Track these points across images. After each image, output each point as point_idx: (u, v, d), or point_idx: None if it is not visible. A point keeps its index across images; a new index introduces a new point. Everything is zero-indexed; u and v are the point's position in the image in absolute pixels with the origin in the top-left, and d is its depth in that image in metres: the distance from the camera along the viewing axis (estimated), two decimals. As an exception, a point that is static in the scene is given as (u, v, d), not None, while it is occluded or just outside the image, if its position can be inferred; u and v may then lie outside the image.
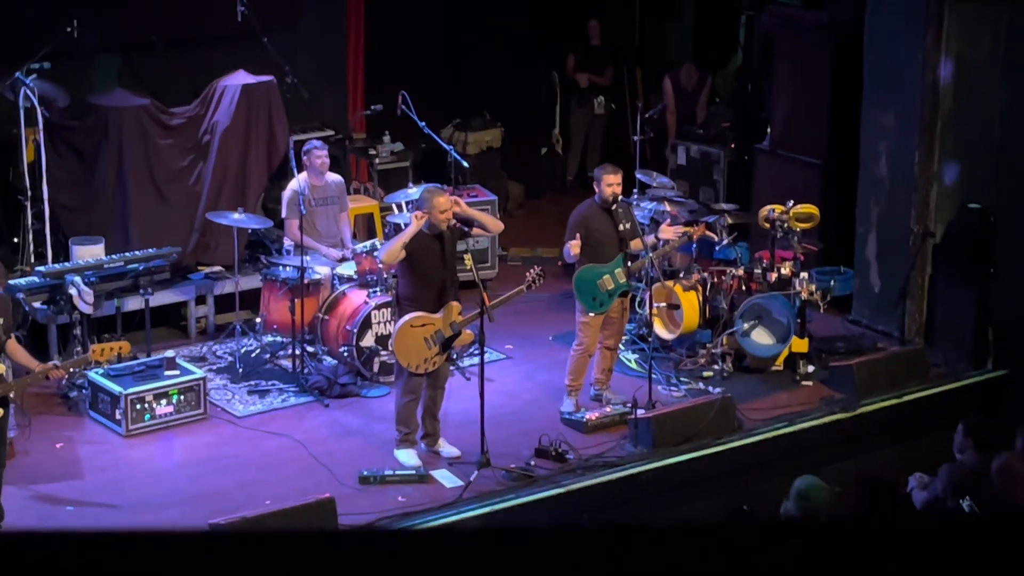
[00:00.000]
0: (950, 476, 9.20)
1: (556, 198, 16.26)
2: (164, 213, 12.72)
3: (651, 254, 11.24)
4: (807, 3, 13.65)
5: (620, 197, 11.04)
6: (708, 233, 12.27)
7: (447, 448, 10.64)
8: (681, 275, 12.28)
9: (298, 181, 12.03)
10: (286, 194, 12.06)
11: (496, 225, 11.07)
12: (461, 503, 9.98)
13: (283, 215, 12.16)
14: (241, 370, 11.90)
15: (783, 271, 11.99)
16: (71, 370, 10.37)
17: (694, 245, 12.38)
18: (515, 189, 15.99)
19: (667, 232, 11.58)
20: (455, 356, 11.96)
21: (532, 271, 10.56)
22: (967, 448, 9.38)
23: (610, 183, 10.95)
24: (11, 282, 11.31)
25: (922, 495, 9.48)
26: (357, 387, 11.60)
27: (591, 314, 11.06)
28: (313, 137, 13.00)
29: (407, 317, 10.29)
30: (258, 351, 12.19)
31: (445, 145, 13.06)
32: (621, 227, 11.04)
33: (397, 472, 10.31)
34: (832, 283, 12.37)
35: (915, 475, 9.72)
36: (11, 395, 9.46)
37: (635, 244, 11.20)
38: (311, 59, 14.11)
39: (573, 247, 11.01)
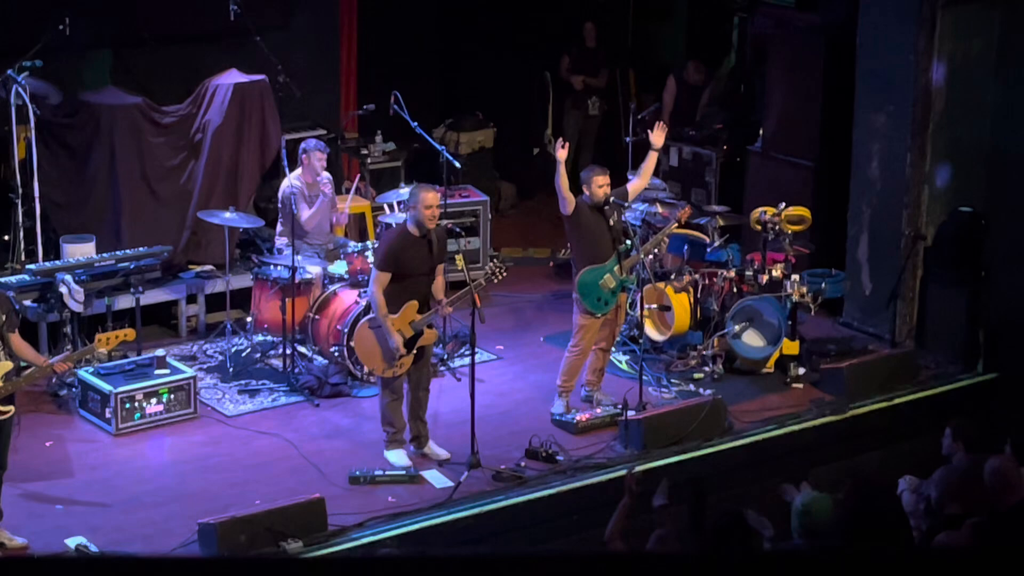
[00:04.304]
0: (944, 480, 9.17)
1: (548, 199, 16.16)
2: (155, 211, 12.71)
3: (640, 251, 11.24)
4: (800, 5, 13.65)
5: (612, 198, 11.01)
6: (695, 234, 12.27)
7: (437, 450, 10.62)
8: (672, 277, 12.27)
9: (290, 180, 12.04)
10: (284, 191, 12.04)
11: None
12: (451, 503, 9.98)
13: (280, 211, 12.13)
14: (231, 369, 11.88)
15: (774, 273, 11.99)
16: (77, 361, 10.38)
17: (686, 247, 12.37)
18: (507, 189, 16.00)
19: (659, 138, 11.42)
20: (446, 356, 11.96)
21: (492, 264, 10.51)
22: (956, 451, 9.37)
23: (601, 184, 10.95)
24: (1, 280, 11.31)
25: (912, 498, 9.46)
26: (347, 387, 11.59)
27: (596, 316, 11.04)
28: (308, 136, 12.99)
29: (363, 319, 10.29)
30: (248, 350, 12.17)
31: (437, 145, 13.04)
32: (611, 222, 11.02)
33: (387, 472, 10.30)
34: (823, 285, 12.38)
35: (905, 478, 9.71)
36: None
37: (633, 189, 11.23)
38: (304, 58, 14.08)
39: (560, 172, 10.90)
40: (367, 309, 10.48)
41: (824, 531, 8.19)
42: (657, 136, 11.41)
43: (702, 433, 10.91)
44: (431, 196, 10.25)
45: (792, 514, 8.27)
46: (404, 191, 12.63)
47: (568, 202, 10.90)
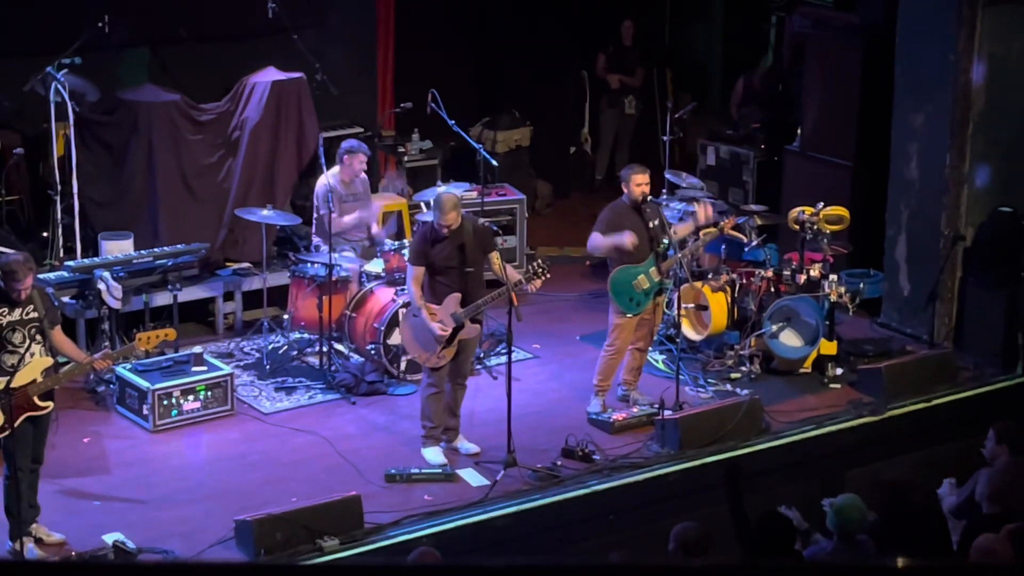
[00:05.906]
0: (989, 479, 9.12)
1: (584, 197, 16.23)
2: (193, 209, 12.74)
3: (679, 253, 11.23)
4: (838, 4, 13.58)
5: (649, 197, 11.01)
6: (734, 234, 12.23)
7: (466, 444, 10.64)
8: (710, 276, 12.24)
9: (327, 177, 12.05)
10: (319, 189, 12.05)
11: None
12: (487, 502, 9.97)
13: (318, 210, 12.13)
14: (268, 367, 11.90)
15: (812, 273, 11.95)
16: (118, 359, 10.40)
17: (723, 246, 12.34)
18: (543, 188, 15.97)
19: (683, 231, 11.56)
20: (482, 355, 11.95)
21: (535, 264, 10.45)
22: (1000, 454, 9.31)
23: (639, 183, 10.93)
24: (40, 276, 11.34)
25: (952, 499, 9.42)
26: (384, 385, 11.60)
27: (628, 316, 11.01)
28: (346, 134, 13.01)
29: (406, 309, 10.34)
30: (285, 348, 12.18)
31: (474, 143, 13.04)
32: (651, 224, 11.00)
33: (423, 470, 10.31)
34: (861, 285, 12.32)
35: (949, 480, 9.66)
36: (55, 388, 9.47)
37: (681, 231, 11.38)
38: (341, 56, 14.10)
39: (614, 241, 10.88)
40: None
41: (857, 530, 8.25)
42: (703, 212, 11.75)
43: (739, 433, 10.88)
44: (449, 207, 10.23)
45: (831, 508, 8.36)
46: (441, 189, 12.63)
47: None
